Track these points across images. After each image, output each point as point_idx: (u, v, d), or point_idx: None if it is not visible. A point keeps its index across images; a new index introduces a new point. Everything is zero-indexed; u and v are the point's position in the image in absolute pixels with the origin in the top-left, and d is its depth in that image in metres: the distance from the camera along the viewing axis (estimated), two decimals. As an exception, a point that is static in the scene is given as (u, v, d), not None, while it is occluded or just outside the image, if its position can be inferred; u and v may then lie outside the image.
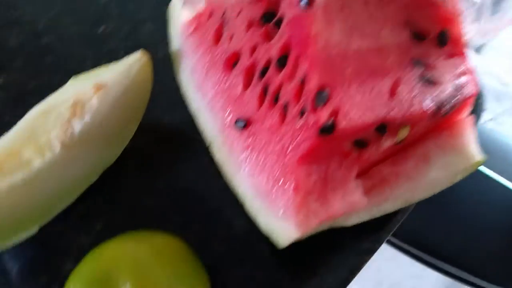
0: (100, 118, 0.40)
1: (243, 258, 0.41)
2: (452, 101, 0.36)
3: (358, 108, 0.34)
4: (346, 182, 0.36)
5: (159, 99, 0.46)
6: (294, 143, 0.36)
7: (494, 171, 0.70)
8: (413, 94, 0.35)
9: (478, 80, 0.37)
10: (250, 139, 0.39)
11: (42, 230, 0.39)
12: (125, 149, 0.43)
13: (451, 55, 0.38)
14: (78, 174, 0.41)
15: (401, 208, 0.40)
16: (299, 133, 0.35)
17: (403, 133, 0.36)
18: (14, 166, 0.38)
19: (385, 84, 0.35)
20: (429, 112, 0.35)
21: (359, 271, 0.40)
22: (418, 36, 0.37)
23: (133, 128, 0.44)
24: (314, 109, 0.35)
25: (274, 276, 0.40)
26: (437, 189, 0.40)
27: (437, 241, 0.71)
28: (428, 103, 0.35)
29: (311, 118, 0.35)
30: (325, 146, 0.35)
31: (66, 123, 0.40)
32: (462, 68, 0.37)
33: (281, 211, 0.36)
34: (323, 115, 0.34)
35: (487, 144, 0.69)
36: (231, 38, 0.41)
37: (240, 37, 0.40)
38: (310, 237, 0.38)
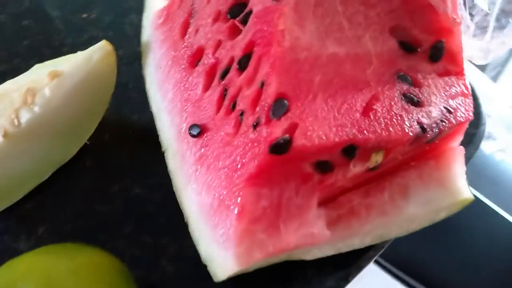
0: (52, 109, 0.38)
1: (192, 281, 0.36)
2: (439, 126, 0.30)
3: (321, 125, 0.29)
4: (304, 211, 0.31)
5: (131, 96, 0.44)
6: (244, 160, 0.30)
7: (500, 204, 0.66)
8: (392, 113, 0.29)
9: (473, 104, 0.33)
10: (202, 150, 0.33)
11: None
12: (83, 147, 0.41)
13: (444, 73, 0.33)
14: (24, 170, 0.38)
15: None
16: (250, 149, 0.30)
17: (376, 158, 0.31)
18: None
19: (359, 100, 0.30)
20: (409, 136, 0.30)
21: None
22: (407, 47, 0.33)
23: (93, 124, 0.41)
24: (269, 121, 0.29)
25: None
26: (414, 227, 0.35)
27: (431, 270, 0.66)
28: (409, 126, 0.29)
29: (263, 132, 0.29)
30: (279, 167, 0.29)
31: (13, 111, 0.37)
32: (455, 89, 0.31)
33: (222, 239, 0.30)
34: (277, 130, 0.29)
35: (494, 175, 0.65)
36: (197, 31, 0.36)
37: (205, 31, 0.35)
38: (267, 267, 0.33)
